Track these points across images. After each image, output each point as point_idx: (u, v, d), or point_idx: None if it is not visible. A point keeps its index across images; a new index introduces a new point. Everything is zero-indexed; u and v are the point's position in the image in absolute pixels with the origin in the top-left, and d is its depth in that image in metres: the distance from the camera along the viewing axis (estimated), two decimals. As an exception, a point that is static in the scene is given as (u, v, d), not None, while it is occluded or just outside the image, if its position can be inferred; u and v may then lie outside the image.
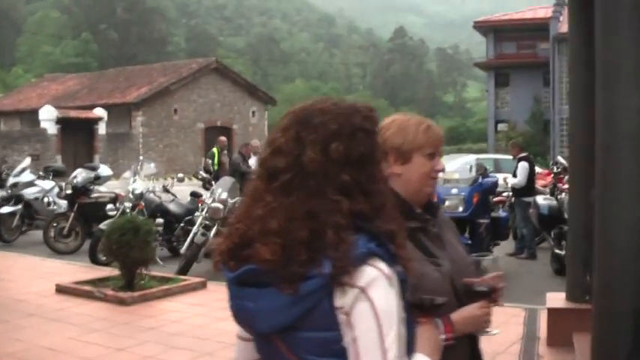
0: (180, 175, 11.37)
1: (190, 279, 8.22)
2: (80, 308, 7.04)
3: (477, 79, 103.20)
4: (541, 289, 8.52)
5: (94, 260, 9.60)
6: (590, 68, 5.64)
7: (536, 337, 5.94)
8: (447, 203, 8.38)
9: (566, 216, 9.27)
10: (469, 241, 8.13)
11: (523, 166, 10.72)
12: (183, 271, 8.81)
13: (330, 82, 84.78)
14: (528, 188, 10.61)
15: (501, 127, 35.42)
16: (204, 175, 11.48)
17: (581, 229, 5.75)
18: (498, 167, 19.24)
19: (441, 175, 7.48)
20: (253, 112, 40.01)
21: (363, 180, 1.51)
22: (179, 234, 10.37)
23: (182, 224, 10.40)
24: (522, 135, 33.39)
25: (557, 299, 5.95)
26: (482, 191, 8.65)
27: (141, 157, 14.17)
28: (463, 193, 8.46)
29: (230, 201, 9.40)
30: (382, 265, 1.46)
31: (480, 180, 8.81)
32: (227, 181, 9.88)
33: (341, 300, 1.45)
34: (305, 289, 1.44)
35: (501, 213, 9.28)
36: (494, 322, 2.02)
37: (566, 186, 12.25)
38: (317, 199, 1.47)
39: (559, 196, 9.92)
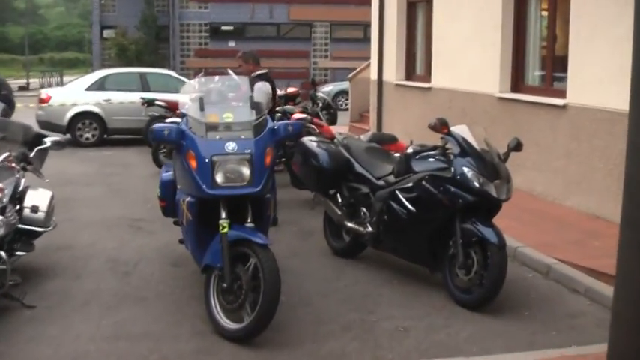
0: None
1: None
2: None
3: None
4: (365, 293, 5.45)
5: None
6: None
7: None
8: (219, 174, 4.58)
9: (358, 169, 6.25)
10: (260, 239, 4.52)
11: (264, 88, 7.29)
12: None
13: None
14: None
15: (108, 33, 30.81)
16: None
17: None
18: (146, 86, 15.32)
19: (201, 118, 4.41)
20: None
21: None
22: None
23: None
24: (135, 42, 29.55)
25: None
26: (276, 143, 5.02)
27: None
28: (248, 150, 4.67)
29: None
30: None
31: (271, 123, 5.07)
32: None
33: None
34: None
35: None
36: None
37: (297, 114, 9.29)
38: None
39: (337, 139, 6.68)
